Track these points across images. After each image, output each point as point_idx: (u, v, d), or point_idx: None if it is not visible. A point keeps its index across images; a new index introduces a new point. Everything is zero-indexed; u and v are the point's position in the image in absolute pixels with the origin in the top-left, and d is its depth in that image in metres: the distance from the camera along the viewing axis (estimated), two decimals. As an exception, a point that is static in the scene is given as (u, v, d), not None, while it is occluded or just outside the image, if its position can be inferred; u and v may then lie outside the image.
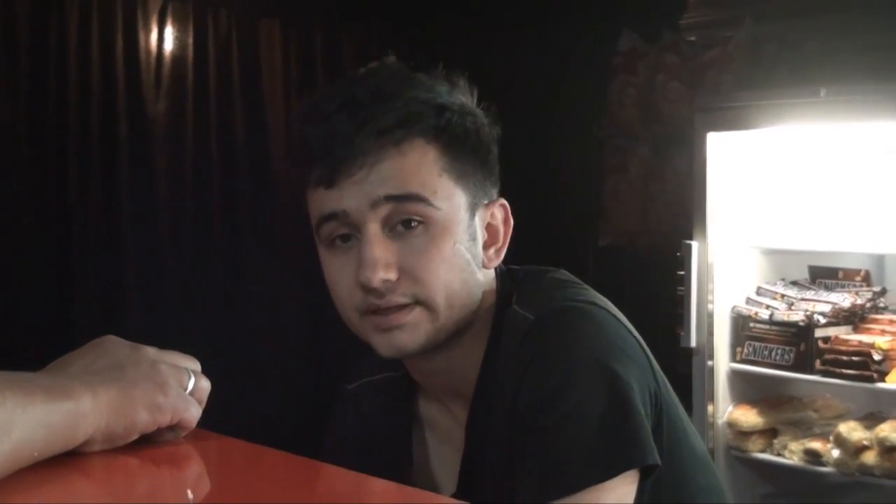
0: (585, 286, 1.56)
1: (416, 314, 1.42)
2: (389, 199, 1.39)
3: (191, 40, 4.84)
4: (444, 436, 1.60)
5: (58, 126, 4.57)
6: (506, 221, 1.52)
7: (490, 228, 1.50)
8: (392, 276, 1.39)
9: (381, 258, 1.39)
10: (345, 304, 1.45)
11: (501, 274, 1.55)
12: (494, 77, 5.13)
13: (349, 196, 1.40)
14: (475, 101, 1.51)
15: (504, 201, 1.52)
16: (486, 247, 1.49)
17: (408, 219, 1.40)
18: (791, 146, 3.56)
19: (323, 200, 1.42)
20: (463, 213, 1.44)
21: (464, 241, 1.44)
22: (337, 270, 1.44)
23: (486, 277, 1.50)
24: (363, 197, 1.39)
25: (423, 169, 1.41)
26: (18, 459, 0.97)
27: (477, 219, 1.47)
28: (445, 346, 1.48)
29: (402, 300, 1.41)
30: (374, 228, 1.40)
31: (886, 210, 3.32)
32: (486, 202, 1.49)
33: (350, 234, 1.42)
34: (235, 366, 4.66)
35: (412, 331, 1.43)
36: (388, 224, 1.40)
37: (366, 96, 1.40)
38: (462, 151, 1.44)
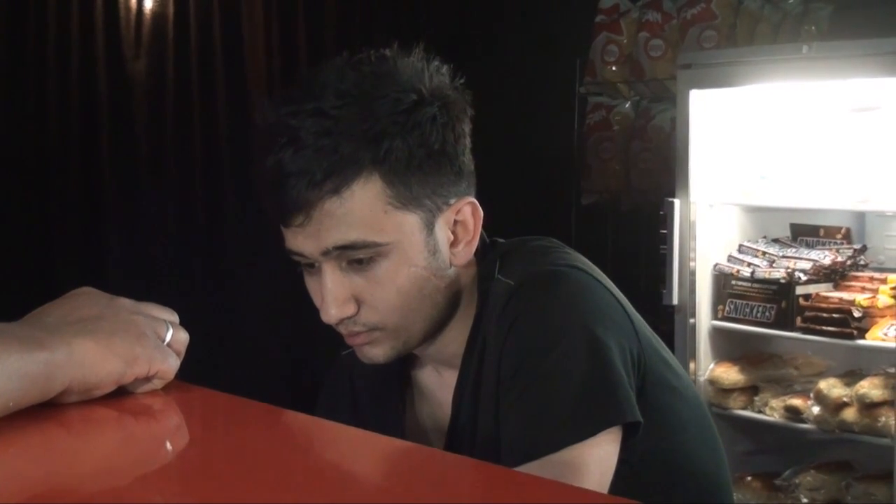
0: (569, 250, 1.57)
1: (377, 335, 1.49)
2: (337, 248, 1.42)
3: (171, -4, 4.81)
4: (435, 401, 1.62)
5: (36, 83, 4.53)
6: (475, 214, 1.50)
7: (458, 225, 1.50)
8: (349, 311, 1.46)
9: (338, 297, 1.45)
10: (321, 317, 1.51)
11: (483, 246, 1.56)
12: (476, 36, 5.12)
13: (301, 242, 1.44)
14: (442, 75, 1.47)
15: (471, 199, 1.50)
16: (454, 244, 1.50)
17: (359, 258, 1.43)
18: (774, 103, 3.55)
19: (285, 235, 1.47)
20: (417, 235, 1.45)
21: (421, 260, 1.46)
22: (311, 290, 1.50)
23: (460, 269, 1.51)
24: (313, 245, 1.43)
25: (367, 211, 1.41)
26: (-7, 409, 0.97)
27: (437, 229, 1.47)
28: (435, 334, 1.53)
29: (360, 329, 1.48)
30: (329, 268, 1.45)
31: (868, 168, 3.32)
32: (448, 205, 1.47)
33: (313, 263, 1.46)
34: (216, 318, 4.66)
35: (378, 346, 1.50)
36: (344, 260, 1.44)
37: (307, 135, 1.39)
38: (407, 174, 1.42)
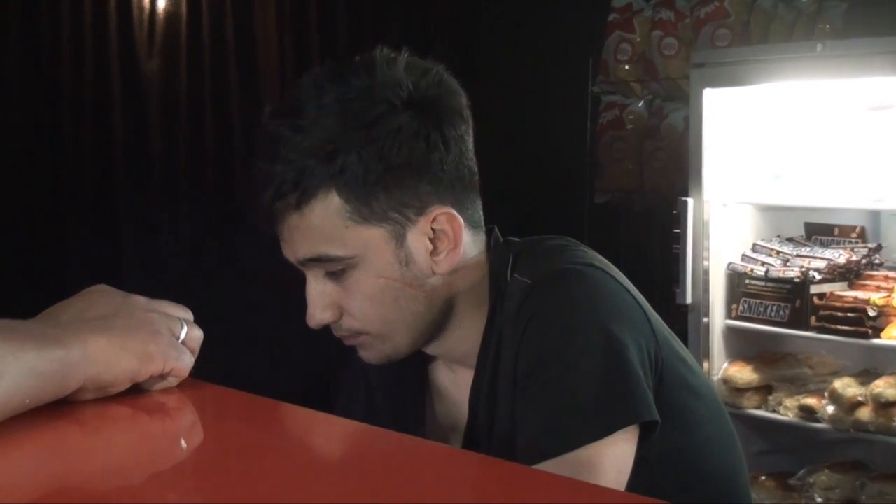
0: (585, 248, 1.56)
1: (364, 339, 1.51)
2: (307, 259, 1.45)
3: (184, -4, 4.82)
4: (451, 400, 1.62)
5: (50, 83, 4.54)
6: (452, 223, 1.48)
7: (438, 234, 1.48)
8: (329, 317, 1.48)
9: (319, 303, 1.48)
10: None
11: (496, 245, 1.56)
12: (488, 35, 5.12)
13: (284, 250, 1.48)
14: (437, 75, 1.46)
15: (446, 209, 1.47)
16: (434, 253, 1.48)
17: (332, 269, 1.45)
18: (788, 102, 3.54)
19: None
20: (384, 247, 1.45)
21: (391, 272, 1.46)
22: None
23: (447, 275, 1.49)
24: (291, 255, 1.47)
25: (327, 226, 1.42)
26: (9, 407, 0.97)
27: (410, 240, 1.46)
28: (438, 336, 1.53)
29: (345, 333, 1.50)
30: (310, 276, 1.48)
31: (882, 166, 3.30)
32: (423, 215, 1.46)
33: None
34: (231, 315, 4.66)
35: (368, 350, 1.52)
36: (320, 269, 1.46)
37: (282, 149, 1.41)
38: (365, 190, 1.41)
